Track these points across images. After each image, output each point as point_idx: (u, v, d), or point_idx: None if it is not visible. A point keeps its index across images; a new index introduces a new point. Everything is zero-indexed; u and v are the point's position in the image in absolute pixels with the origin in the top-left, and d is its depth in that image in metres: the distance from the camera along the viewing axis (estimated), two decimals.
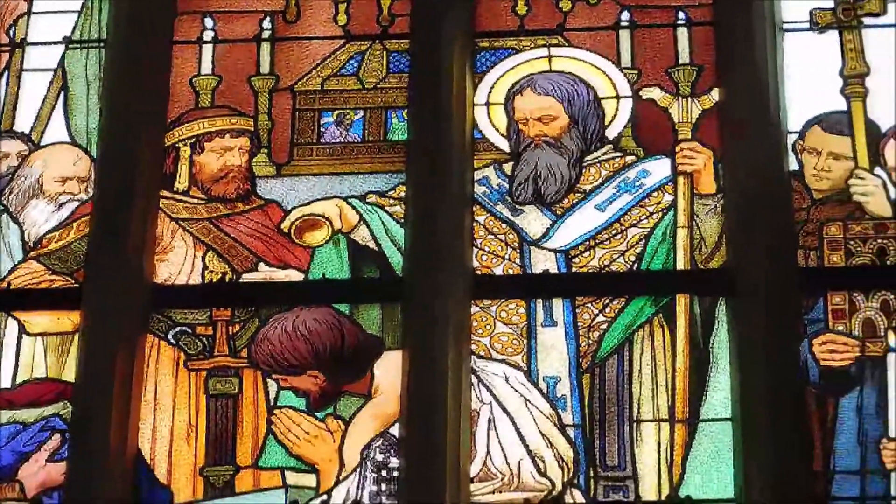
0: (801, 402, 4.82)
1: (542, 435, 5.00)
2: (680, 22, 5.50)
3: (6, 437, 4.96)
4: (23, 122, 5.56)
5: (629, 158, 5.37)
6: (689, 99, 5.41)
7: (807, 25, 5.38)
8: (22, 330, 5.18)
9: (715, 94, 5.34)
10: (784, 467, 4.68)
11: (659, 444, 4.96)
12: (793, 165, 5.19)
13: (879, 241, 5.05)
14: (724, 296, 5.06)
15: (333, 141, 5.52)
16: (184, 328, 5.19)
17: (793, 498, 4.66)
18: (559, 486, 4.89)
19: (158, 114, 5.41)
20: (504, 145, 5.40)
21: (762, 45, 5.26)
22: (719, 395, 4.96)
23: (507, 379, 5.03)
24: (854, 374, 4.91)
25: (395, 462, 4.90)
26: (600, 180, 5.33)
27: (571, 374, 5.11)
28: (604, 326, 5.14)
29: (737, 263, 5.07)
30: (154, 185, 5.31)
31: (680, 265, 5.19)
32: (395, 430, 4.92)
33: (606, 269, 5.24)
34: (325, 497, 4.93)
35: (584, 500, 4.90)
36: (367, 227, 5.30)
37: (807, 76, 5.34)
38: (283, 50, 5.63)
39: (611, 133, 5.41)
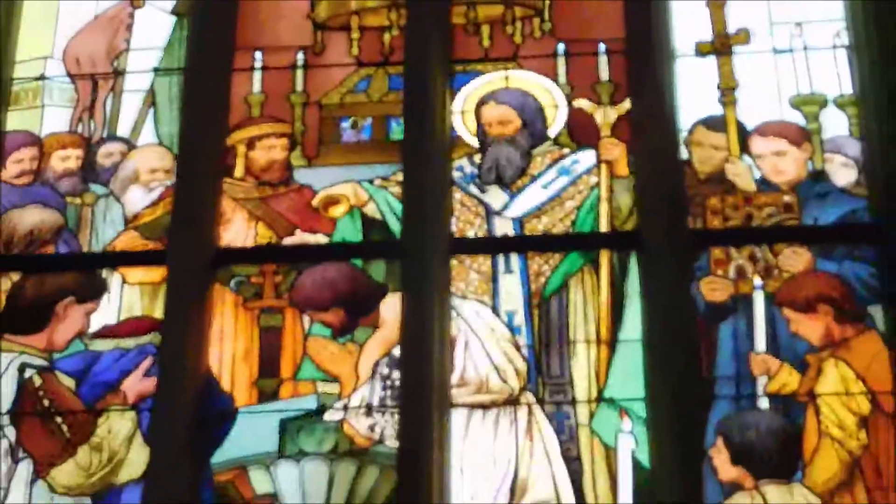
0: (692, 327, 4.73)
1: (504, 353, 5.00)
2: (601, 51, 5.47)
3: (113, 359, 4.91)
4: (123, 129, 5.57)
5: (565, 150, 5.37)
6: (608, 107, 5.38)
7: (693, 52, 5.40)
8: (123, 281, 5.17)
9: (627, 104, 5.28)
10: (681, 374, 4.59)
11: (588, 358, 4.94)
12: (684, 155, 5.14)
13: (747, 209, 5.05)
14: (634, 250, 4.99)
15: (349, 140, 5.54)
16: (241, 278, 5.20)
17: (687, 396, 4.54)
18: (517, 390, 4.88)
19: (221, 122, 5.32)
20: (474, 142, 5.40)
21: (660, 67, 5.14)
22: (632, 323, 4.89)
23: (477, 313, 5.05)
24: (730, 306, 4.94)
25: (396, 374, 4.87)
26: (544, 167, 5.34)
27: (525, 309, 5.10)
28: (547, 273, 5.14)
29: (643, 227, 4.93)
30: (219, 174, 5.25)
31: (603, 228, 5.19)
32: (396, 352, 4.86)
33: (549, 231, 5.26)
34: (345, 401, 4.93)
35: (534, 400, 4.88)
36: (375, 203, 5.29)
37: (693, 89, 5.29)
38: (312, 74, 5.60)
39: (552, 132, 5.41)
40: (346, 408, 4.98)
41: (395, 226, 5.24)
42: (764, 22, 5.50)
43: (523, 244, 5.35)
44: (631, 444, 4.74)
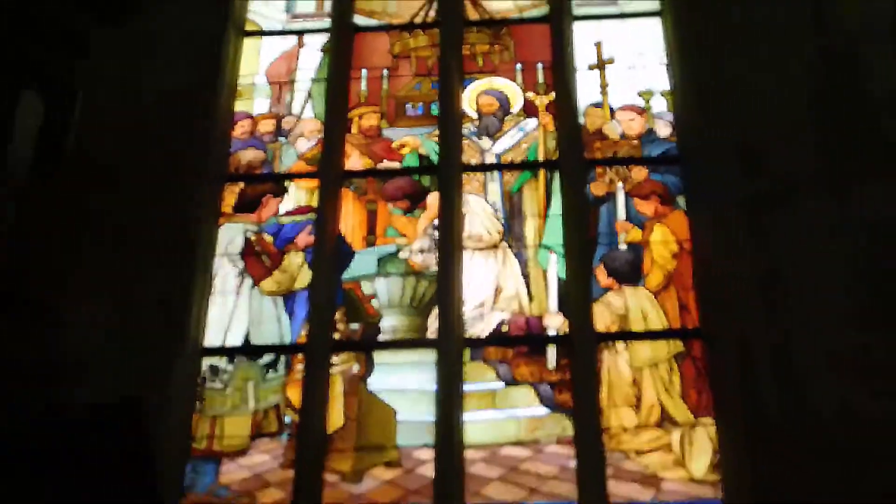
0: (586, 208, 4.82)
1: (491, 222, 4.93)
2: (539, 67, 5.35)
3: (292, 226, 4.89)
4: (295, 110, 5.43)
5: (521, 119, 5.19)
6: (543, 96, 5.25)
7: (586, 68, 5.30)
8: (296, 187, 5.13)
9: (553, 95, 5.18)
10: (580, 232, 4.67)
11: (534, 224, 4.86)
12: (581, 121, 5.05)
13: (614, 148, 4.97)
14: (557, 170, 4.94)
15: (411, 114, 5.36)
16: (356, 185, 5.10)
17: (583, 243, 4.66)
18: (497, 241, 4.81)
19: (344, 106, 5.29)
20: (475, 115, 5.24)
21: (569, 76, 5.10)
22: (556, 206, 4.79)
23: (476, 201, 4.96)
24: (605, 197, 4.93)
25: (436, 234, 4.82)
26: (511, 127, 5.19)
27: (501, 200, 4.96)
28: (512, 182, 5.01)
29: (562, 157, 4.92)
30: (344, 132, 5.19)
31: (541, 159, 5.06)
32: (436, 222, 4.82)
33: (514, 161, 5.12)
34: (410, 247, 4.86)
35: (507, 246, 4.83)
36: (425, 146, 5.16)
37: (586, 88, 5.22)
38: (392, 81, 5.45)
39: (514, 110, 5.25)
40: (410, 251, 4.90)
41: (435, 158, 5.11)
42: (622, 52, 5.39)
43: (500, 167, 5.19)
44: (556, 268, 4.73)
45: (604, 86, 5.25)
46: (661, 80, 5.26)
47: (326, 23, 5.62)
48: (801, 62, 4.85)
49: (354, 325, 4.63)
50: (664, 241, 4.67)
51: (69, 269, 4.44)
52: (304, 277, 4.73)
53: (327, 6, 5.71)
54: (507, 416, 4.33)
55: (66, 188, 4.60)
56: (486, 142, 5.24)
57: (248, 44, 5.52)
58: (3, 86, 4.01)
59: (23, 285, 4.41)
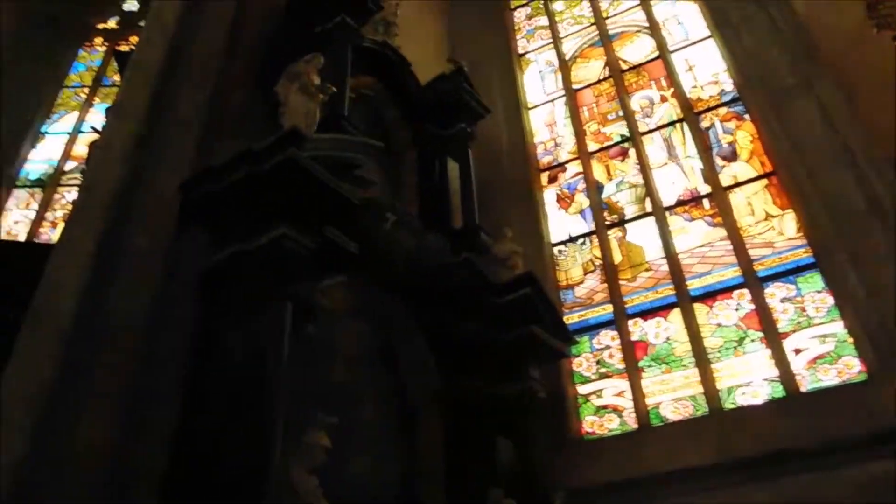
0: (699, 134, 5.61)
1: (661, 150, 5.78)
2: (661, 79, 6.15)
3: (573, 183, 5.94)
4: (559, 132, 6.43)
5: (657, 105, 6.06)
6: (667, 92, 6.13)
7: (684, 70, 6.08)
8: (570, 166, 6.15)
9: (671, 90, 6.03)
10: (699, 147, 5.54)
11: (680, 148, 5.67)
12: (688, 95, 5.83)
13: (707, 104, 5.80)
14: (683, 121, 5.76)
15: (610, 119, 6.25)
16: (596, 156, 6.08)
17: (703, 148, 5.45)
18: (666, 160, 5.69)
19: (579, 122, 6.27)
20: (639, 110, 6.14)
21: (678, 82, 5.98)
22: (689, 137, 5.70)
23: (652, 146, 5.81)
24: (708, 126, 5.63)
25: (638, 166, 5.78)
26: (654, 112, 6.04)
27: (661, 140, 5.91)
28: (665, 132, 5.88)
29: (684, 115, 5.78)
30: (583, 135, 6.23)
31: (674, 118, 5.89)
32: (636, 161, 5.77)
33: (661, 125, 5.94)
34: (628, 175, 5.74)
35: (672, 160, 5.59)
36: (621, 132, 6.06)
37: (686, 82, 6.03)
38: (598, 109, 6.36)
39: (656, 102, 6.08)
40: (628, 177, 5.81)
41: (627, 134, 6.01)
42: (699, 62, 6.11)
43: (657, 129, 5.88)
44: (695, 164, 5.53)
45: (694, 77, 6.06)
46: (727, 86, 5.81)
47: (562, 91, 6.68)
48: None
49: (614, 216, 5.68)
50: (743, 137, 5.54)
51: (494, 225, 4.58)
52: (585, 203, 5.89)
53: (559, 84, 6.73)
54: (691, 237, 5.24)
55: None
56: (647, 120, 6.11)
57: (533, 112, 6.73)
58: (437, 156, 4.40)
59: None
